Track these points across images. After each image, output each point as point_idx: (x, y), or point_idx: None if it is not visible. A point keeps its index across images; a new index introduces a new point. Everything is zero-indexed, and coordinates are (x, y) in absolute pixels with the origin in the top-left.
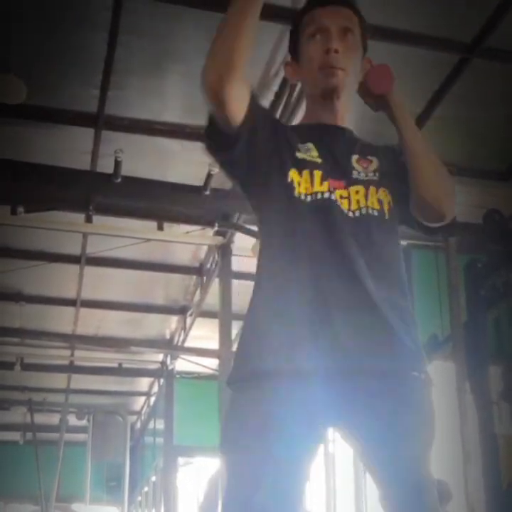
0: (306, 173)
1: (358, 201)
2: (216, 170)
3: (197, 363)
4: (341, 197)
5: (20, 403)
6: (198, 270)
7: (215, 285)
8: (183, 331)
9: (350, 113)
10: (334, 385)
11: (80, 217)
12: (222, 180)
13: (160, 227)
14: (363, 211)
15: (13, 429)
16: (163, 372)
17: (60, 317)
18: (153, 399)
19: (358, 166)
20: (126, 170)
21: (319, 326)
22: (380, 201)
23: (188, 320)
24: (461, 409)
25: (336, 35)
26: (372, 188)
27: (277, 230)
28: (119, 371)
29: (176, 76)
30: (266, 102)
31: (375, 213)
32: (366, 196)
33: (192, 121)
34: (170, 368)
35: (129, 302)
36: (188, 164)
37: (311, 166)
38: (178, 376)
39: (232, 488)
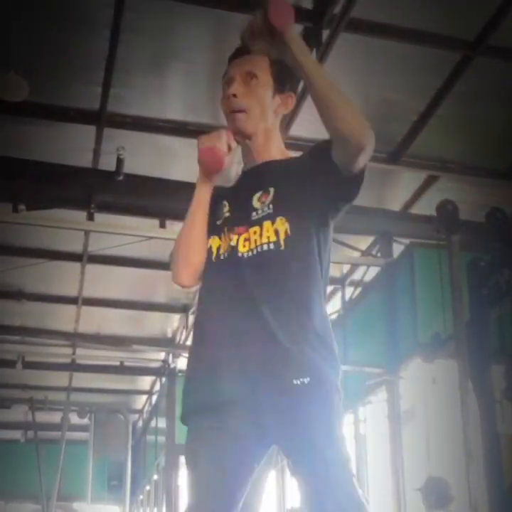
0: (223, 235)
1: (255, 241)
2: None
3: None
4: (245, 240)
5: (21, 401)
6: None
7: None
8: (184, 329)
9: (274, 143)
10: (247, 412)
11: (82, 214)
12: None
13: (162, 225)
14: (258, 249)
15: (15, 428)
16: (165, 371)
17: (61, 315)
18: (155, 397)
19: (258, 204)
20: (128, 167)
21: (228, 365)
22: (276, 232)
23: (190, 318)
24: (464, 408)
25: (238, 81)
26: (266, 224)
27: (202, 291)
28: (120, 369)
29: (178, 74)
30: None
31: (271, 246)
32: (261, 234)
33: (194, 119)
34: (172, 366)
35: (131, 300)
36: (190, 161)
37: (225, 225)
38: (180, 374)
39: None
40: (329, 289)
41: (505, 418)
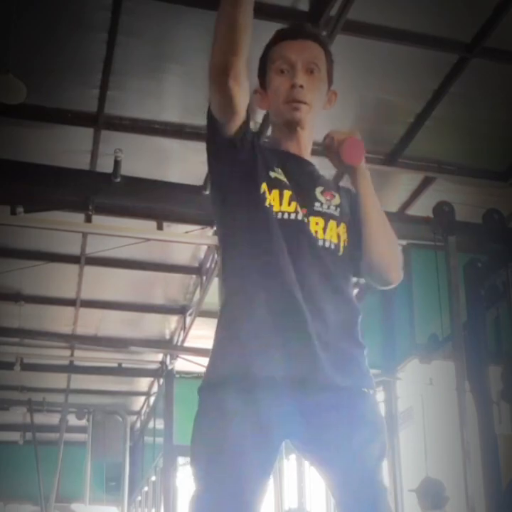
0: (275, 191)
1: (315, 232)
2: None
3: (197, 363)
4: (306, 220)
5: (19, 403)
6: (197, 270)
7: (214, 285)
8: (182, 331)
9: (311, 145)
10: (292, 398)
11: (80, 217)
12: None
13: (159, 227)
14: (321, 243)
15: (13, 429)
16: (162, 372)
17: (59, 317)
18: (152, 399)
19: (322, 198)
20: (125, 170)
21: (289, 336)
22: (338, 236)
23: (188, 320)
24: (461, 408)
25: (301, 70)
26: (331, 222)
27: (245, 238)
28: (118, 371)
29: (175, 76)
30: None
31: (332, 246)
32: (324, 229)
33: (191, 121)
34: (169, 367)
35: (129, 302)
36: (188, 164)
37: (281, 186)
38: (177, 376)
39: (199, 489)
40: None
41: (503, 419)
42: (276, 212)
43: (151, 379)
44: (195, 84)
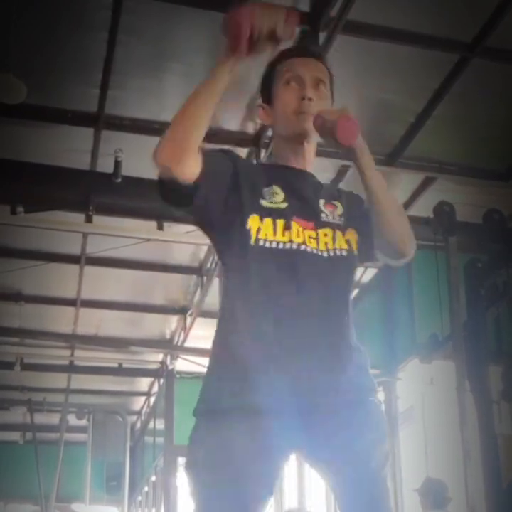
0: (268, 220)
1: (325, 243)
2: None
3: (197, 363)
4: (310, 237)
5: (20, 403)
6: (197, 270)
7: (214, 285)
8: (183, 331)
9: (313, 159)
10: (294, 421)
11: (80, 217)
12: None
13: (160, 227)
14: (331, 253)
15: (13, 429)
16: (163, 372)
17: (59, 317)
18: (153, 399)
19: (326, 210)
20: (126, 170)
21: (280, 365)
22: (348, 241)
23: (188, 320)
24: (461, 408)
25: (310, 84)
26: (338, 232)
27: (236, 275)
28: (119, 371)
29: (176, 75)
30: None
31: (344, 253)
32: (334, 239)
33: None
34: (170, 367)
35: (129, 302)
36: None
37: (274, 213)
38: (178, 376)
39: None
40: None
41: (503, 418)
42: (268, 241)
43: (152, 379)
44: (196, 84)
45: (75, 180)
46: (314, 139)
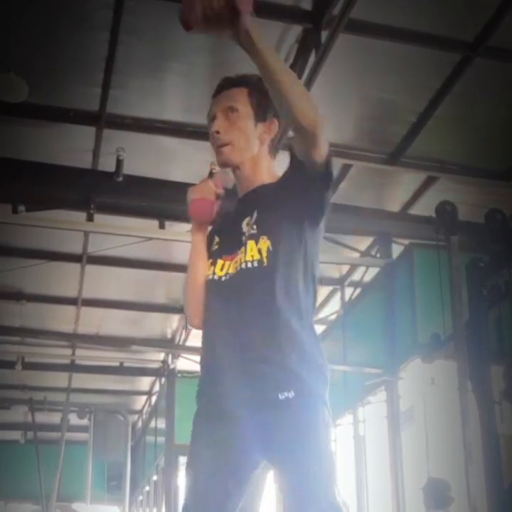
0: (209, 262)
1: (239, 260)
2: (217, 168)
3: (198, 362)
4: (224, 264)
5: (21, 402)
6: None
7: None
8: (184, 330)
9: (263, 168)
10: (238, 426)
11: (82, 215)
12: (223, 177)
13: (161, 226)
14: (242, 266)
15: (14, 429)
16: (164, 371)
17: (61, 316)
18: (154, 398)
19: (246, 228)
20: (127, 168)
21: (223, 379)
22: (259, 251)
23: None
24: (463, 408)
25: (219, 117)
26: (250, 243)
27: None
28: (120, 370)
29: (177, 75)
30: None
31: (255, 264)
32: (245, 252)
33: (193, 120)
34: (171, 367)
35: (130, 301)
36: (190, 162)
37: (212, 256)
38: (179, 375)
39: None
40: (328, 289)
41: (505, 419)
42: (212, 279)
43: (153, 378)
44: (197, 83)
45: (77, 179)
46: (248, 159)
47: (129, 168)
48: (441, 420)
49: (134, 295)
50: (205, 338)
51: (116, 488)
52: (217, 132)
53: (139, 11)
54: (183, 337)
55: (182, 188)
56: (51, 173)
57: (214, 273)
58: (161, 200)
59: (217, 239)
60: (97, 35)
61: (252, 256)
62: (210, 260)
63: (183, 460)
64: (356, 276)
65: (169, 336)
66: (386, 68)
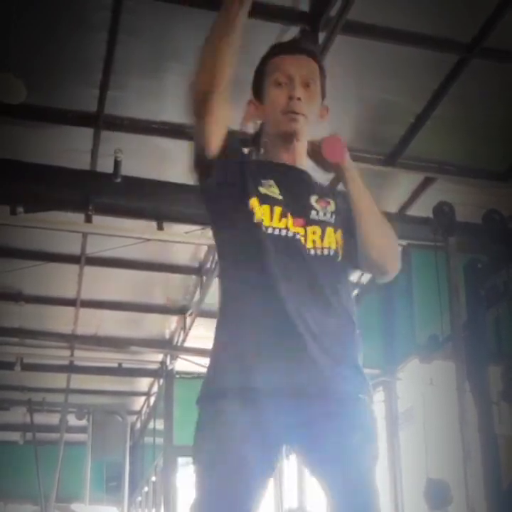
0: (266, 207)
1: (313, 241)
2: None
3: (197, 363)
4: (299, 234)
5: (19, 403)
6: (197, 270)
7: (214, 285)
8: (182, 331)
9: (305, 155)
10: (289, 408)
11: (80, 217)
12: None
13: (160, 227)
14: (319, 251)
15: (13, 429)
16: (162, 372)
17: (59, 317)
18: (153, 399)
19: (317, 206)
20: (125, 170)
21: (284, 349)
22: (336, 242)
23: (188, 320)
24: (461, 409)
25: (299, 83)
26: (329, 229)
27: (238, 255)
28: (118, 371)
29: (176, 75)
30: None
31: (331, 253)
32: (322, 237)
33: (191, 121)
34: (170, 367)
35: (129, 302)
36: (188, 164)
37: (271, 201)
38: (177, 376)
39: (197, 497)
40: None
41: (503, 419)
42: (267, 228)
43: (151, 379)
44: None
45: (75, 181)
46: (306, 137)
47: (128, 170)
48: (439, 421)
49: (133, 296)
50: (248, 307)
51: (115, 488)
52: (299, 99)
53: (137, 11)
54: (181, 338)
55: (180, 189)
56: (49, 175)
57: (294, 234)
58: (160, 201)
59: (275, 185)
60: (96, 35)
61: (330, 244)
62: (270, 199)
63: (181, 461)
64: (354, 276)
65: (167, 336)
66: (384, 69)
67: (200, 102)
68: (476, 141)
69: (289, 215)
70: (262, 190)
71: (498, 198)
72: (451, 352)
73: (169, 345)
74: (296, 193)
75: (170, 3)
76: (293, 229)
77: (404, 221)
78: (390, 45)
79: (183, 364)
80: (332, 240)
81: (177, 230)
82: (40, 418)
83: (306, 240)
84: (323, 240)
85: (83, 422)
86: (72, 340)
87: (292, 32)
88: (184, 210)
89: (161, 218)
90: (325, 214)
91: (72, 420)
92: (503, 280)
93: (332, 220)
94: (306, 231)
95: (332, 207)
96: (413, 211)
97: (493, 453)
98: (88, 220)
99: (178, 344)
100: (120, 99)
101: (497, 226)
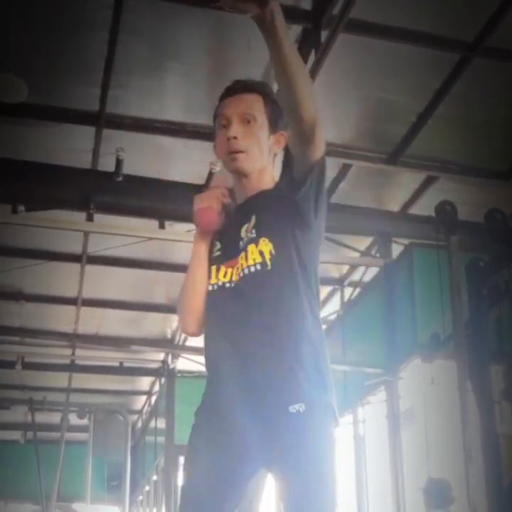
0: (213, 268)
1: (241, 265)
2: (217, 168)
3: (198, 362)
4: (227, 270)
5: (21, 402)
6: None
7: None
8: None
9: (267, 177)
10: (244, 432)
11: (81, 215)
12: (223, 179)
13: (161, 226)
14: (246, 271)
15: (14, 429)
16: (164, 371)
17: (60, 316)
18: (154, 398)
19: (244, 234)
20: (127, 168)
21: (218, 395)
22: (261, 253)
23: None
24: (463, 408)
25: (236, 122)
26: (251, 247)
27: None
28: (120, 370)
29: (177, 75)
30: None
31: (258, 267)
32: (247, 258)
33: (193, 120)
34: (171, 366)
35: (130, 301)
36: (189, 162)
37: (214, 261)
38: (179, 375)
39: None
40: (328, 289)
41: (504, 418)
42: (213, 285)
43: (153, 378)
44: (197, 83)
45: (76, 179)
46: (256, 170)
47: (129, 168)
48: (441, 420)
49: (134, 295)
50: (209, 348)
51: (116, 488)
52: (235, 138)
53: (138, 10)
54: (182, 337)
55: (182, 188)
56: (51, 173)
57: (218, 279)
58: (161, 200)
59: (218, 245)
60: (97, 35)
61: (254, 259)
62: (214, 266)
63: (182, 460)
64: (356, 276)
65: (169, 335)
66: (386, 68)
67: (186, 331)
68: (478, 140)
69: (221, 267)
70: (214, 254)
71: (500, 196)
72: (453, 351)
73: (171, 344)
74: (231, 237)
75: (171, 3)
76: (222, 279)
77: (407, 220)
78: (391, 44)
79: (184, 363)
80: (256, 254)
81: (178, 229)
82: (41, 417)
83: (233, 274)
84: (247, 260)
85: (84, 421)
86: (73, 339)
87: (294, 30)
88: (186, 208)
89: (162, 217)
90: (248, 235)
91: (73, 419)
92: (504, 279)
93: (254, 235)
94: (238, 262)
95: (253, 222)
96: (415, 210)
97: (494, 452)
98: (89, 218)
99: (180, 343)
100: (121, 98)
101: (499, 225)
